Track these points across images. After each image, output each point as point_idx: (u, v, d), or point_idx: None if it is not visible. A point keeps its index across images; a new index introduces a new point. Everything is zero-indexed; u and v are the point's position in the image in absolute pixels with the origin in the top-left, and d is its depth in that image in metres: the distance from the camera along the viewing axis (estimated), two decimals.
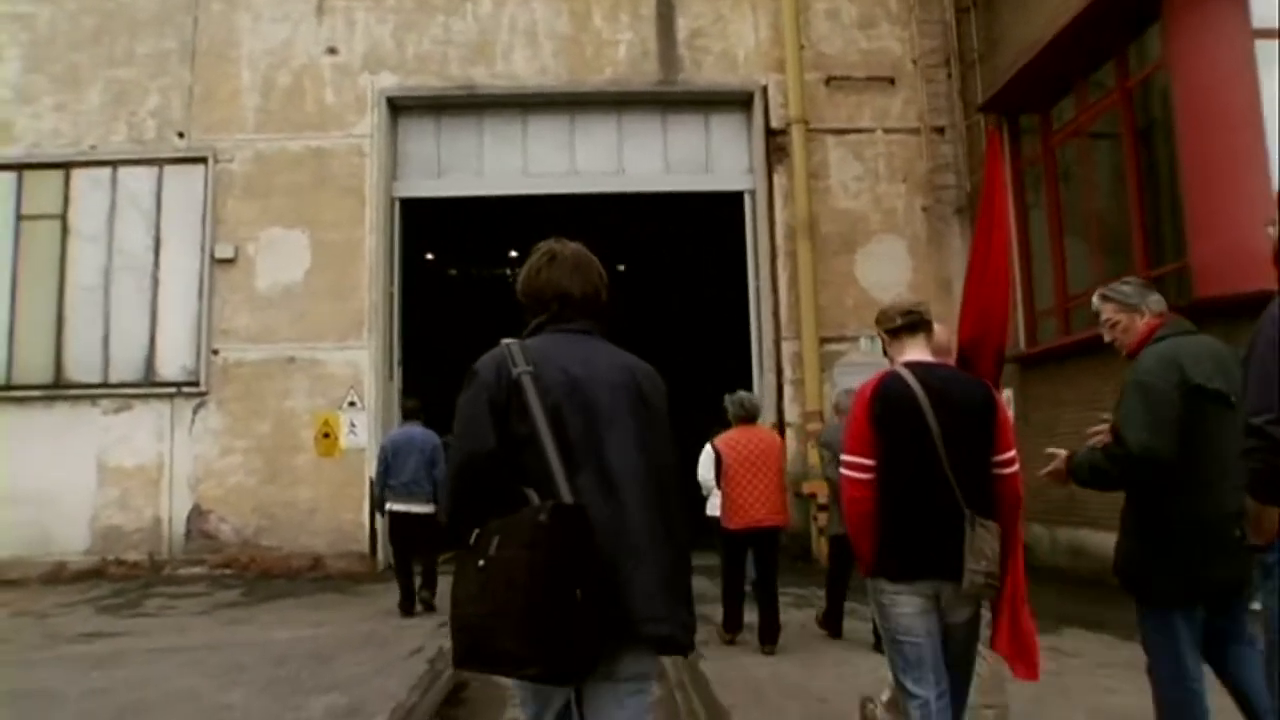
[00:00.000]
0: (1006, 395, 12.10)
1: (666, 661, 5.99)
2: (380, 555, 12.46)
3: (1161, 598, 3.51)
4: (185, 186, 13.07)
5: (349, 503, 12.56)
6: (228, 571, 12.24)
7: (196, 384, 12.74)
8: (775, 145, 13.27)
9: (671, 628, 2.46)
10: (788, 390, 12.80)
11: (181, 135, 13.14)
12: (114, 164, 13.09)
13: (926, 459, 3.30)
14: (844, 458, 3.45)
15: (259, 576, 12.04)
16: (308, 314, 12.86)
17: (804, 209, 12.87)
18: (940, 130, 13.34)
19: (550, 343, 2.62)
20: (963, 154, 13.17)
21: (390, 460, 9.17)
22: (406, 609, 9.00)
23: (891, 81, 13.48)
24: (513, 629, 2.22)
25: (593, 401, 2.52)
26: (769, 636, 6.98)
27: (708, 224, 15.56)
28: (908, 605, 3.35)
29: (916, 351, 3.54)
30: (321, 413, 12.72)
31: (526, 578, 2.22)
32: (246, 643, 7.71)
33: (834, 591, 7.41)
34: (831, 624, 7.43)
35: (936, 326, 3.81)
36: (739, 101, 13.57)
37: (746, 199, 13.50)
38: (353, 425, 12.67)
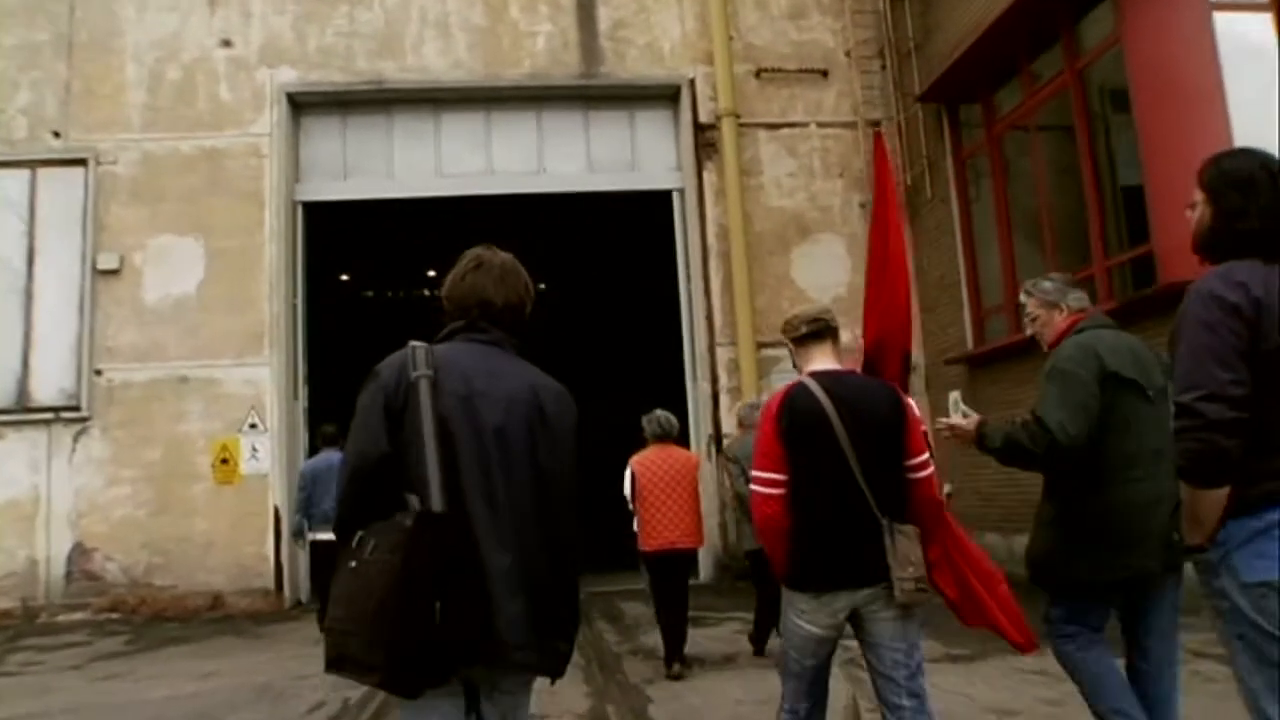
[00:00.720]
0: (954, 397, 11.53)
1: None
2: (287, 590, 11.38)
3: (1072, 586, 3.56)
4: (63, 191, 11.88)
5: (251, 534, 11.46)
6: (114, 616, 11.04)
7: (77, 408, 11.54)
8: (704, 141, 12.56)
9: (537, 656, 2.44)
10: (724, 399, 12.06)
11: (57, 135, 11.96)
12: None
13: (838, 469, 3.27)
14: (754, 473, 3.40)
15: (150, 620, 10.88)
16: (202, 329, 11.76)
17: (736, 207, 12.18)
18: (876, 123, 12.70)
19: (458, 350, 2.57)
20: (901, 147, 12.59)
21: (311, 488, 8.77)
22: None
23: (825, 74, 12.89)
24: (364, 634, 2.18)
25: (487, 414, 2.47)
26: (670, 664, 6.72)
27: (634, 226, 14.75)
28: (815, 627, 3.31)
29: (823, 360, 3.51)
30: (219, 437, 11.62)
31: (384, 583, 2.17)
32: (115, 705, 6.66)
33: (760, 607, 7.08)
34: (757, 641, 7.20)
35: (844, 334, 3.78)
36: (665, 96, 12.86)
37: (675, 198, 12.78)
38: (254, 449, 11.59)
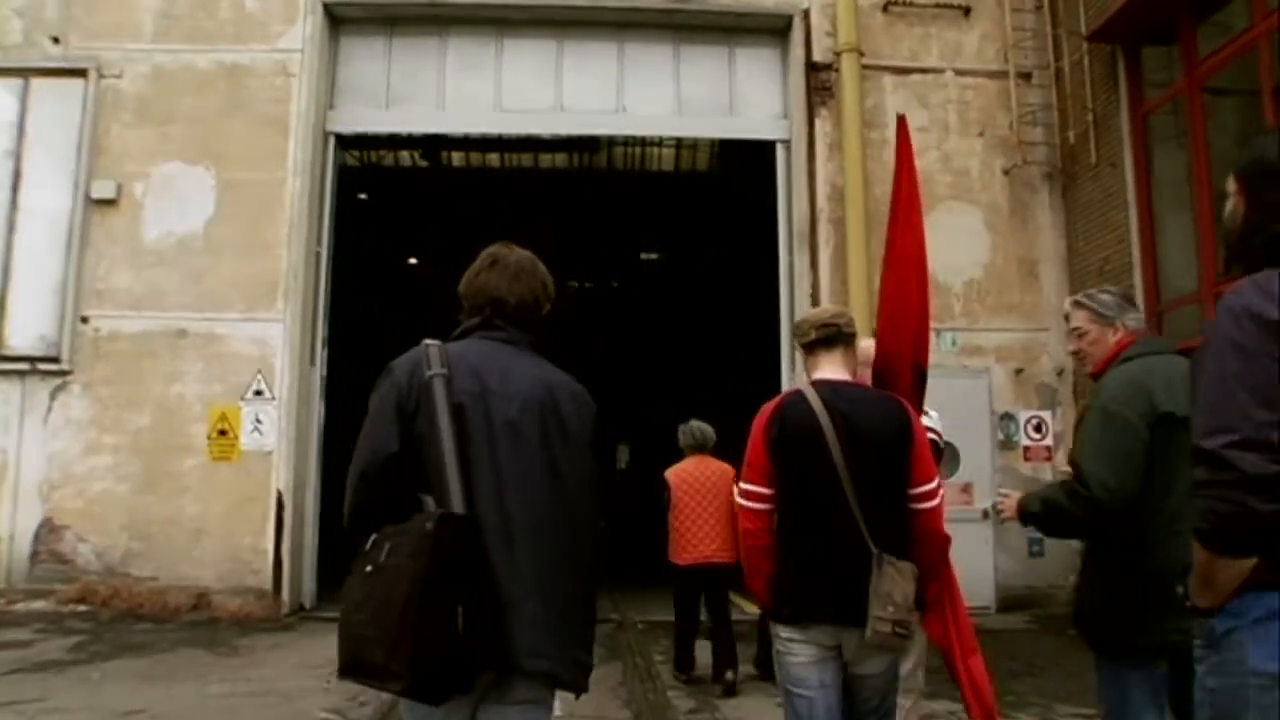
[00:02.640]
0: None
1: None
2: (286, 593, 9.45)
3: (1115, 649, 3.20)
4: (58, 106, 10.12)
5: (248, 522, 9.57)
6: (80, 608, 9.19)
7: (57, 360, 9.76)
8: (818, 84, 10.40)
9: (553, 664, 2.36)
10: None
11: (56, 40, 10.19)
12: None
13: (828, 490, 3.00)
14: (740, 485, 3.22)
15: (119, 617, 8.99)
16: (207, 274, 9.91)
17: (855, 165, 9.99)
18: (1027, 75, 10.49)
19: (472, 348, 2.54)
20: (1059, 101, 10.29)
21: None
22: None
23: (966, 11, 10.64)
24: (385, 640, 2.14)
25: (501, 414, 2.42)
26: (722, 673, 6.57)
27: (729, 184, 12.67)
28: (801, 654, 3.06)
29: (831, 370, 3.21)
30: (218, 404, 9.75)
31: (406, 589, 2.14)
32: None
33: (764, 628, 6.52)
34: (762, 665, 6.71)
35: (862, 342, 3.56)
36: (773, 29, 10.74)
37: (779, 151, 10.63)
38: (258, 421, 9.69)
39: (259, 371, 9.77)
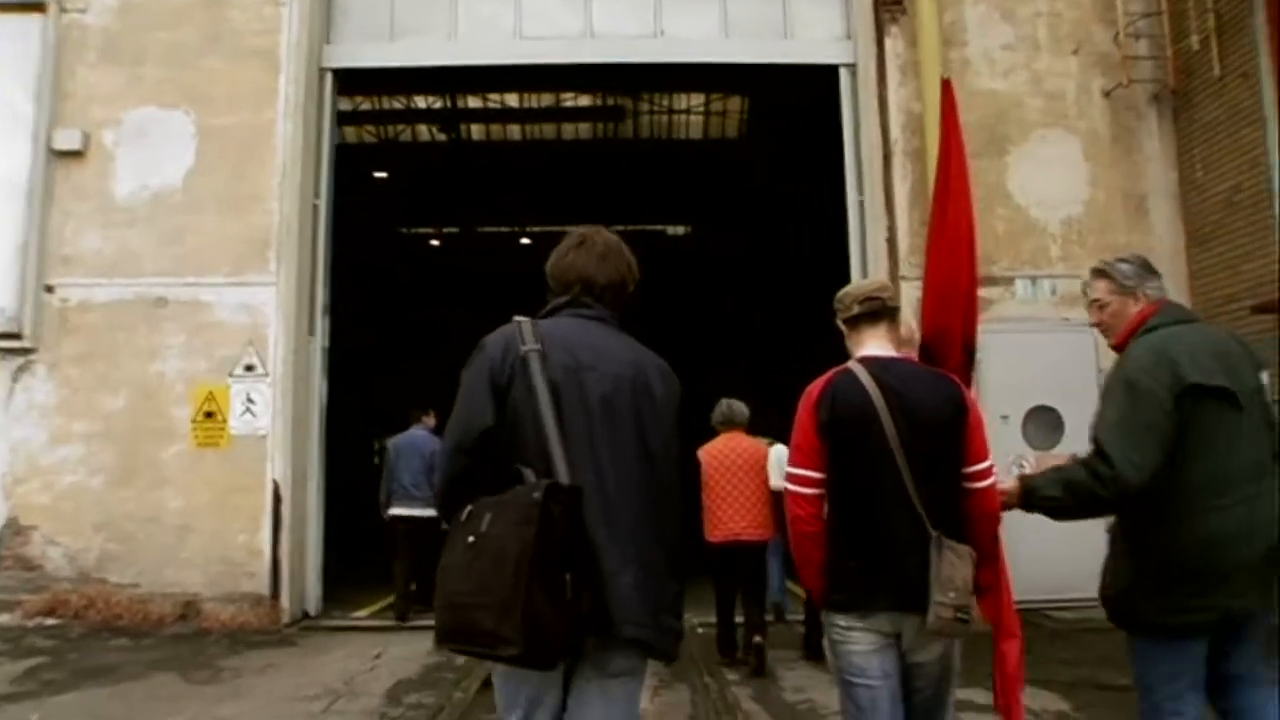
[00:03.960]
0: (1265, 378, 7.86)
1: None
2: (286, 599, 8.13)
3: (1150, 628, 3.06)
4: (14, 45, 8.82)
5: (241, 518, 8.26)
6: (49, 622, 7.92)
7: (18, 336, 8.47)
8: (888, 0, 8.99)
9: (651, 632, 2.41)
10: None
11: None
12: None
13: (884, 472, 2.88)
14: (788, 470, 3.02)
15: (93, 631, 7.72)
16: (188, 234, 8.60)
17: (934, 89, 8.54)
18: None
19: (563, 325, 2.58)
20: (1168, 6, 8.82)
21: (395, 461, 8.74)
22: (403, 615, 8.38)
23: None
24: (496, 607, 2.16)
25: (593, 388, 2.47)
26: (750, 640, 6.61)
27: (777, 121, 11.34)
28: (860, 642, 2.90)
29: (877, 346, 3.06)
30: (204, 382, 8.44)
31: (517, 556, 2.17)
32: None
33: (811, 610, 6.81)
34: (811, 646, 6.77)
35: (910, 320, 3.58)
36: None
37: (843, 77, 9.22)
38: (249, 401, 8.37)
39: (250, 343, 8.45)
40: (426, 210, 21.33)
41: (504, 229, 22.66)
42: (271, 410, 8.34)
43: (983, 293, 8.48)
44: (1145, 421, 2.95)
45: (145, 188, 8.64)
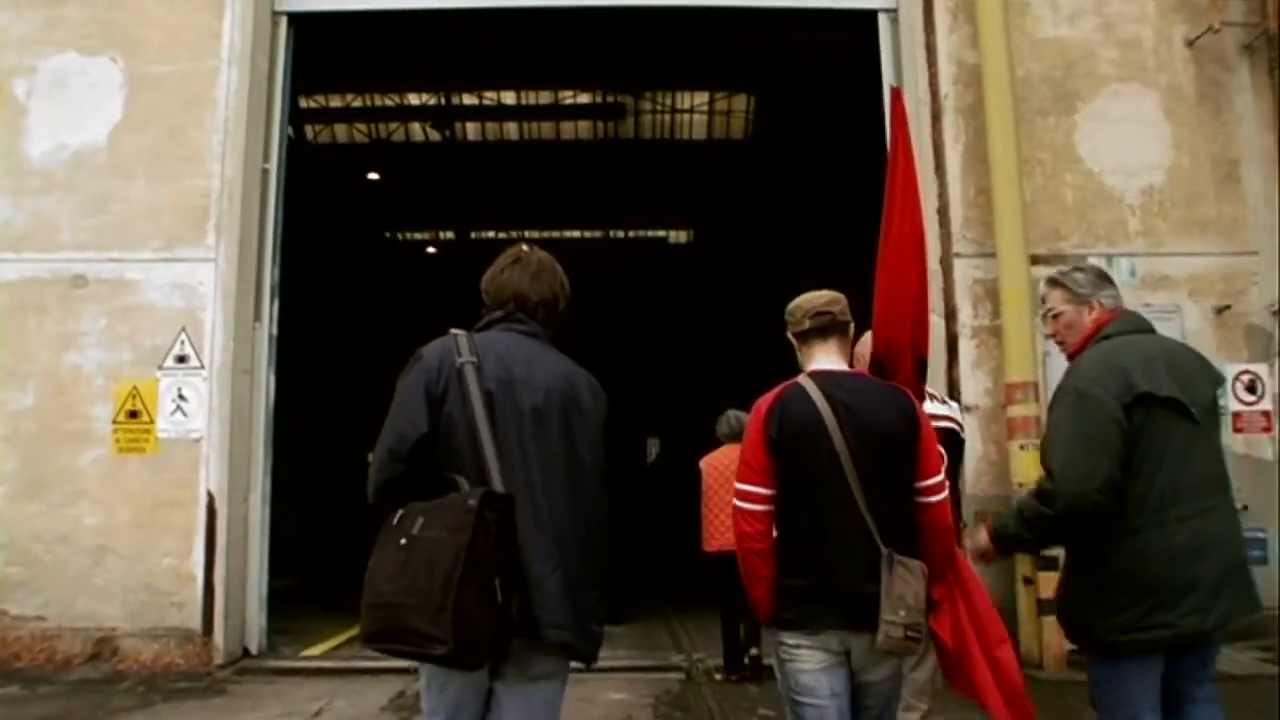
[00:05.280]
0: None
1: None
2: (221, 635, 6.78)
3: (1103, 647, 3.02)
4: None
5: (169, 537, 6.93)
6: None
7: None
8: None
9: (573, 636, 2.52)
10: (966, 346, 7.18)
11: None
12: None
13: (833, 488, 2.85)
14: (736, 486, 2.99)
15: None
16: (113, 201, 7.30)
17: (994, 37, 7.28)
18: None
19: (497, 339, 2.70)
20: None
21: None
22: None
23: None
24: (428, 608, 2.24)
25: (526, 401, 2.58)
26: (746, 651, 6.55)
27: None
28: (808, 660, 2.87)
29: (827, 360, 3.06)
30: (128, 376, 7.11)
31: (450, 560, 2.26)
32: None
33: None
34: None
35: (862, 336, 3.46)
36: None
37: (883, 23, 7.91)
38: (180, 397, 7.05)
39: (183, 330, 7.13)
40: (420, 214, 20.56)
41: (501, 234, 21.91)
42: (207, 409, 7.01)
43: (1050, 272, 7.32)
44: (1095, 432, 2.91)
45: (64, 147, 7.33)
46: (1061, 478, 2.89)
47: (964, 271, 7.26)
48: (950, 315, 7.19)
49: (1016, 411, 6.78)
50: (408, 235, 23.00)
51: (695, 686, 6.38)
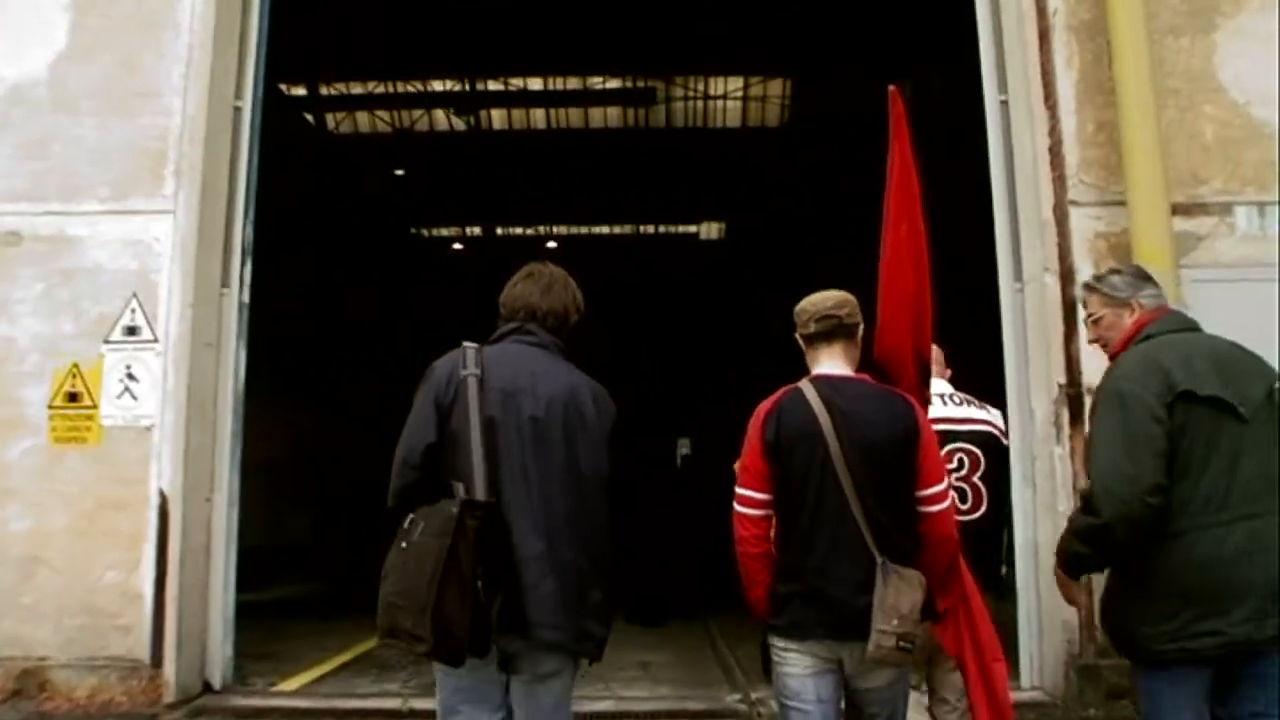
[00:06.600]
0: None
1: None
2: (172, 666, 5.55)
3: (1148, 656, 2.92)
4: None
5: (114, 545, 5.74)
6: None
7: None
8: None
9: (566, 635, 2.68)
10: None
11: None
12: None
13: (828, 495, 2.86)
14: (736, 490, 3.03)
15: None
16: (55, 143, 6.13)
17: None
18: None
19: (507, 351, 2.88)
20: None
21: None
22: None
23: None
24: (414, 608, 2.44)
25: (526, 409, 2.75)
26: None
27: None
28: (796, 664, 2.88)
29: (830, 364, 3.07)
30: (67, 352, 5.93)
31: (432, 563, 2.47)
32: None
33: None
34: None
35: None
36: None
37: None
38: (129, 377, 5.85)
39: (134, 296, 5.93)
40: (446, 209, 20.00)
41: (529, 230, 21.72)
42: (160, 391, 5.80)
43: (1189, 225, 5.95)
44: (1136, 432, 2.84)
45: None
46: (1105, 482, 2.84)
47: (1082, 222, 5.90)
48: (1065, 276, 5.83)
49: None
50: (434, 231, 22.48)
51: None
